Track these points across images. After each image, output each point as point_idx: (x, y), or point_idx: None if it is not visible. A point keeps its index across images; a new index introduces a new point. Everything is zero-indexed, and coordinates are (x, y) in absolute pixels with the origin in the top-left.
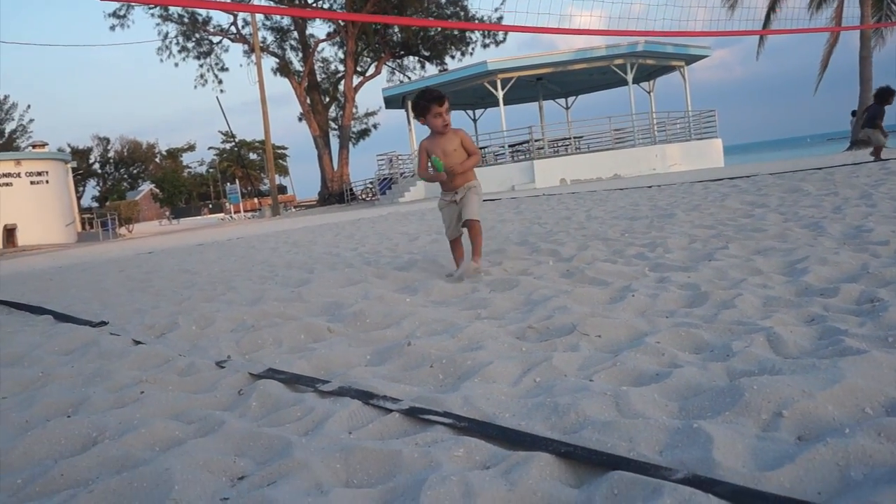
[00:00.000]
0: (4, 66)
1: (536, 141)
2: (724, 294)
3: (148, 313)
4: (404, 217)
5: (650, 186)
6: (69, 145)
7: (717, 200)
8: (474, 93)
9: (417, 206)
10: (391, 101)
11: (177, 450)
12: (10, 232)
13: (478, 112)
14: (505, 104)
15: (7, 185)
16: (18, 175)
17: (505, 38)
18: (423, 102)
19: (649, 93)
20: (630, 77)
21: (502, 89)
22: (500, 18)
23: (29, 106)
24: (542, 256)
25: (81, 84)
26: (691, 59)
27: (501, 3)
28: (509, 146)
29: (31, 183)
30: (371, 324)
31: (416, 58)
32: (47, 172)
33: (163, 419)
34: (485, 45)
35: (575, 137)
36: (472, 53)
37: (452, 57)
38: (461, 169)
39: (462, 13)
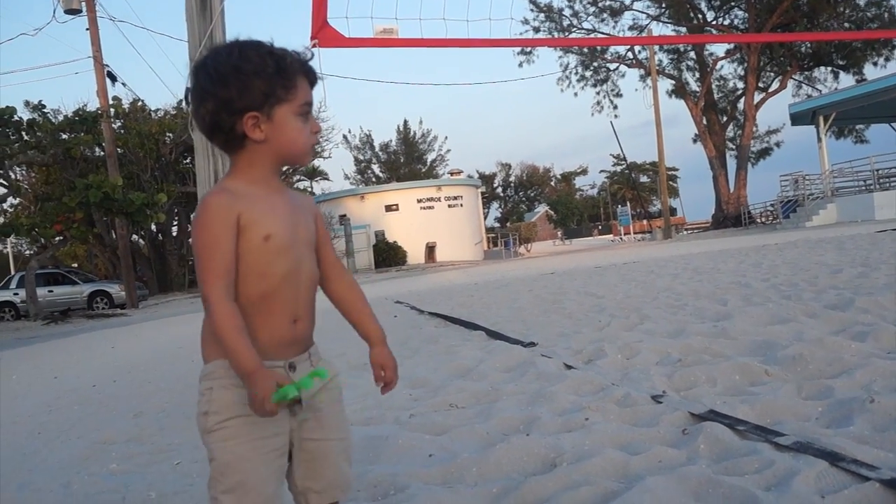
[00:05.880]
0: (429, 104)
1: None
2: None
3: (571, 337)
4: (817, 244)
5: None
6: (477, 171)
7: None
8: None
9: (831, 232)
10: (798, 118)
11: (640, 485)
12: (430, 249)
13: None
14: None
15: (430, 207)
16: (439, 199)
17: None
18: (265, 77)
19: None
20: None
21: None
22: None
23: (446, 137)
24: None
25: (489, 116)
26: None
27: None
28: None
29: (449, 206)
30: (815, 370)
31: (829, 68)
32: (462, 197)
33: (612, 448)
34: None
35: None
36: None
37: (875, 64)
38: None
39: (886, 15)
